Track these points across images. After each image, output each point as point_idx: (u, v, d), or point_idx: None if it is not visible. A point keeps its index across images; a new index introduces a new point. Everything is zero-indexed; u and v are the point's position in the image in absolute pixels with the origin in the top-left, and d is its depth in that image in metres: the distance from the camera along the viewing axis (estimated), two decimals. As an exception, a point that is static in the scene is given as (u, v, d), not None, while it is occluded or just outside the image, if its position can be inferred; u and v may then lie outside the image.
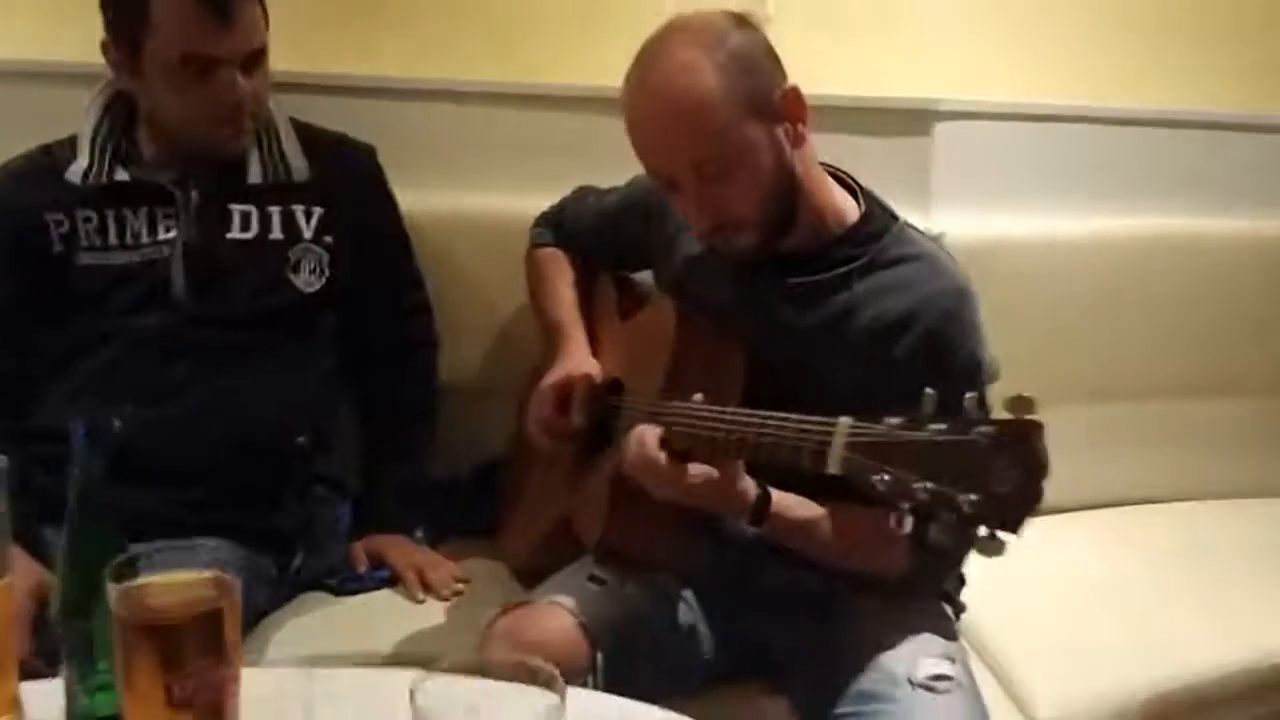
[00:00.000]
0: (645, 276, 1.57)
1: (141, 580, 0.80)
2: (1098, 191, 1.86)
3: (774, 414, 1.06)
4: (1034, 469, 0.83)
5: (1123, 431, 1.86)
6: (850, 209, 1.32)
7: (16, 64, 1.69)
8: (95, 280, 1.47)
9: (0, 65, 1.68)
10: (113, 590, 0.78)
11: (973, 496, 0.84)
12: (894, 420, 0.90)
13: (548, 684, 0.76)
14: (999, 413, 0.85)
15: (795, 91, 1.23)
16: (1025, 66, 1.85)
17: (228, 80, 1.41)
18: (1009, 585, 1.43)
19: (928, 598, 1.37)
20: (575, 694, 0.77)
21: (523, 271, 1.66)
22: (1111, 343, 1.83)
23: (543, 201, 1.67)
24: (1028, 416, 0.84)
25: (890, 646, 1.24)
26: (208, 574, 0.82)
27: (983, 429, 0.84)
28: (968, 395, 0.88)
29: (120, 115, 1.50)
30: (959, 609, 1.42)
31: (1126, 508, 1.86)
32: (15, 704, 0.92)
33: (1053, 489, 0.84)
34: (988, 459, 0.84)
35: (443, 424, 1.70)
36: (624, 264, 1.58)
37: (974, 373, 1.24)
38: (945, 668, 1.22)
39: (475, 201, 1.77)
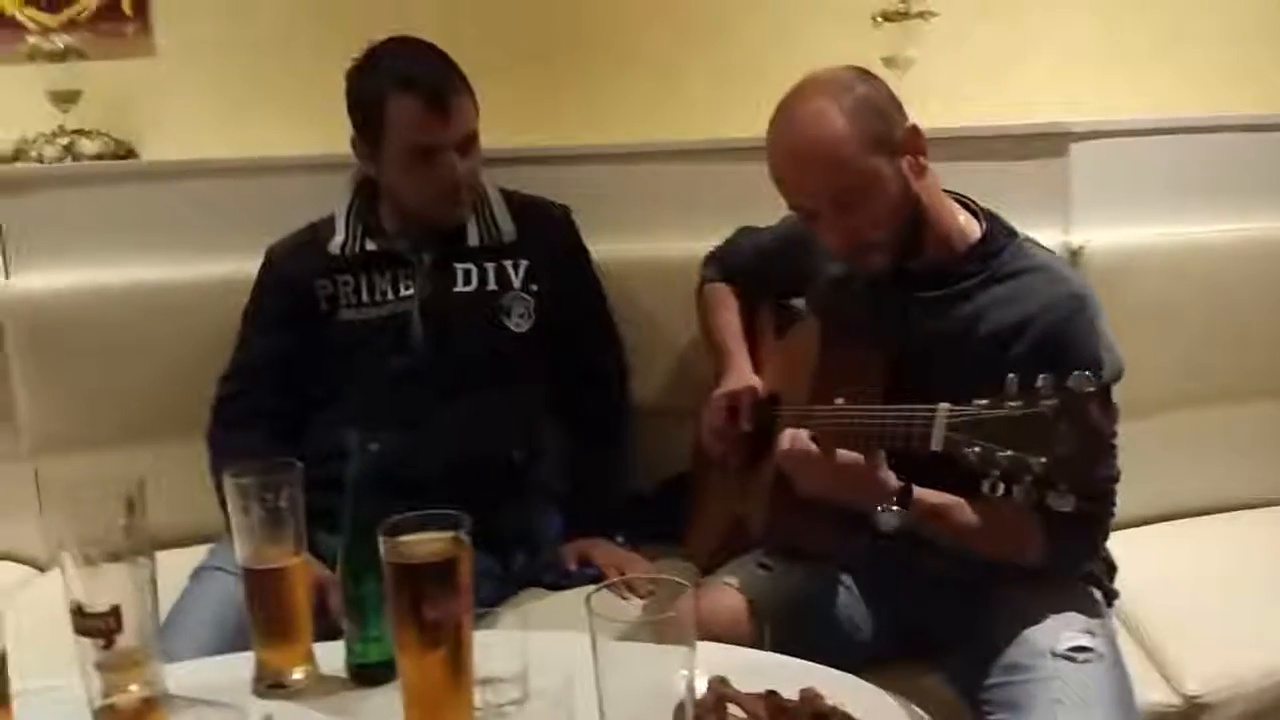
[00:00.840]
0: (799, 302, 1.73)
1: (403, 538, 1.06)
2: (1234, 198, 1.89)
3: (890, 407, 1.24)
4: (1089, 433, 0.98)
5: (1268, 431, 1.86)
6: (973, 229, 1.47)
7: (289, 159, 2.01)
8: (353, 332, 1.76)
9: (277, 161, 2.03)
10: (384, 542, 1.04)
11: (1042, 459, 1.00)
12: (981, 401, 1.07)
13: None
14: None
15: (915, 129, 1.40)
16: (1156, 83, 1.92)
17: (448, 163, 1.67)
18: (1165, 575, 1.53)
19: (1071, 579, 1.47)
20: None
21: (694, 305, 1.87)
22: (1262, 345, 1.86)
23: (708, 243, 1.86)
24: (1086, 389, 0.99)
25: (1035, 622, 1.35)
26: (448, 535, 1.07)
27: (1047, 401, 1.00)
28: (1041, 375, 1.04)
29: (366, 197, 1.81)
30: (1110, 594, 1.51)
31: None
32: (309, 656, 1.21)
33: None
34: (1051, 426, 0.99)
35: (636, 442, 1.91)
36: (780, 292, 1.76)
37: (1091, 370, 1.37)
38: (1085, 640, 1.32)
39: (651, 247, 1.98)
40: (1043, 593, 1.41)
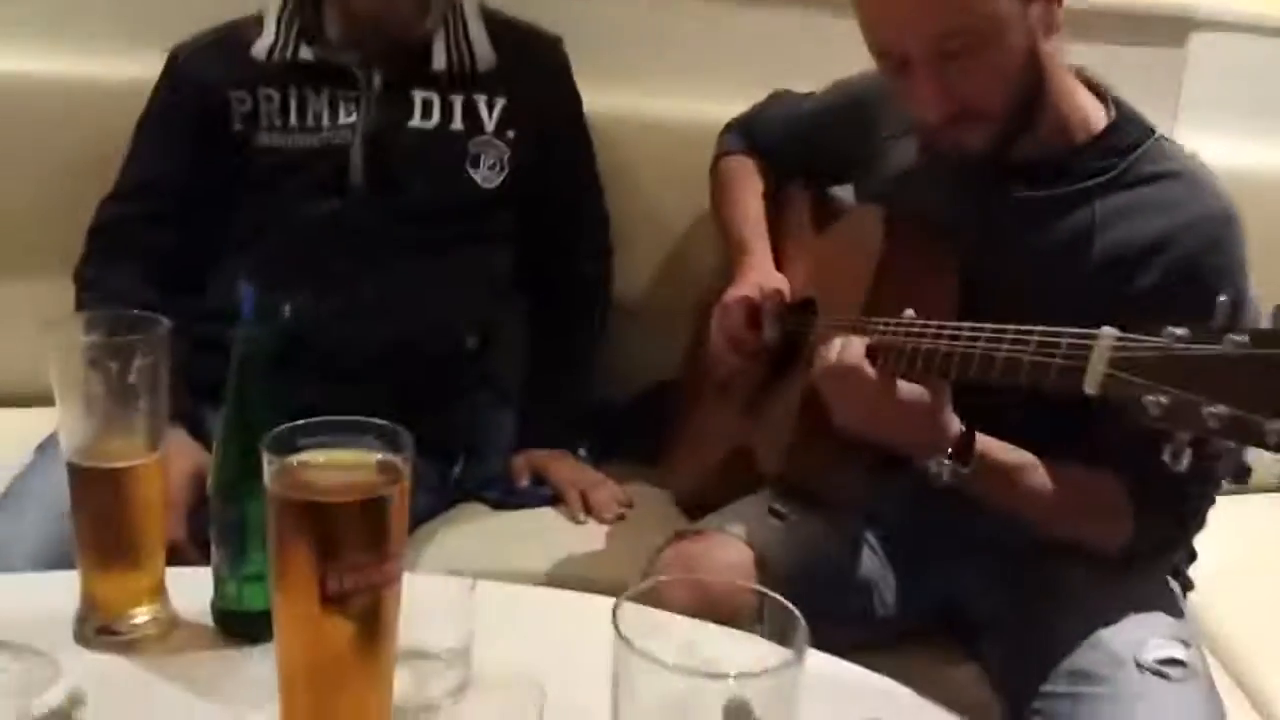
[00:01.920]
0: (843, 192, 1.43)
1: (303, 456, 0.72)
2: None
3: (1014, 327, 0.91)
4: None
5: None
6: (1098, 116, 1.16)
7: None
8: (273, 162, 1.43)
9: None
10: (269, 462, 0.70)
11: (1280, 424, 0.68)
12: (1179, 331, 0.75)
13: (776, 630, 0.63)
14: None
15: None
16: None
17: None
18: (1241, 565, 1.26)
19: (1152, 565, 1.20)
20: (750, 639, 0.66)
21: (703, 184, 1.56)
22: None
23: (732, 108, 1.56)
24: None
25: (1112, 621, 1.11)
26: (376, 456, 0.73)
27: (1300, 340, 0.68)
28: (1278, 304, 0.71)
29: None
30: (1186, 585, 1.25)
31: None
32: (159, 591, 0.88)
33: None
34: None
35: (610, 343, 1.63)
36: (822, 175, 1.45)
37: (1236, 315, 1.06)
38: (1178, 651, 1.08)
39: (658, 104, 1.67)
40: (1118, 579, 1.16)
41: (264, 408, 0.82)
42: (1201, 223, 1.09)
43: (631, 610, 0.61)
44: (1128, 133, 1.15)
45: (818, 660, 0.92)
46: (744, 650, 0.63)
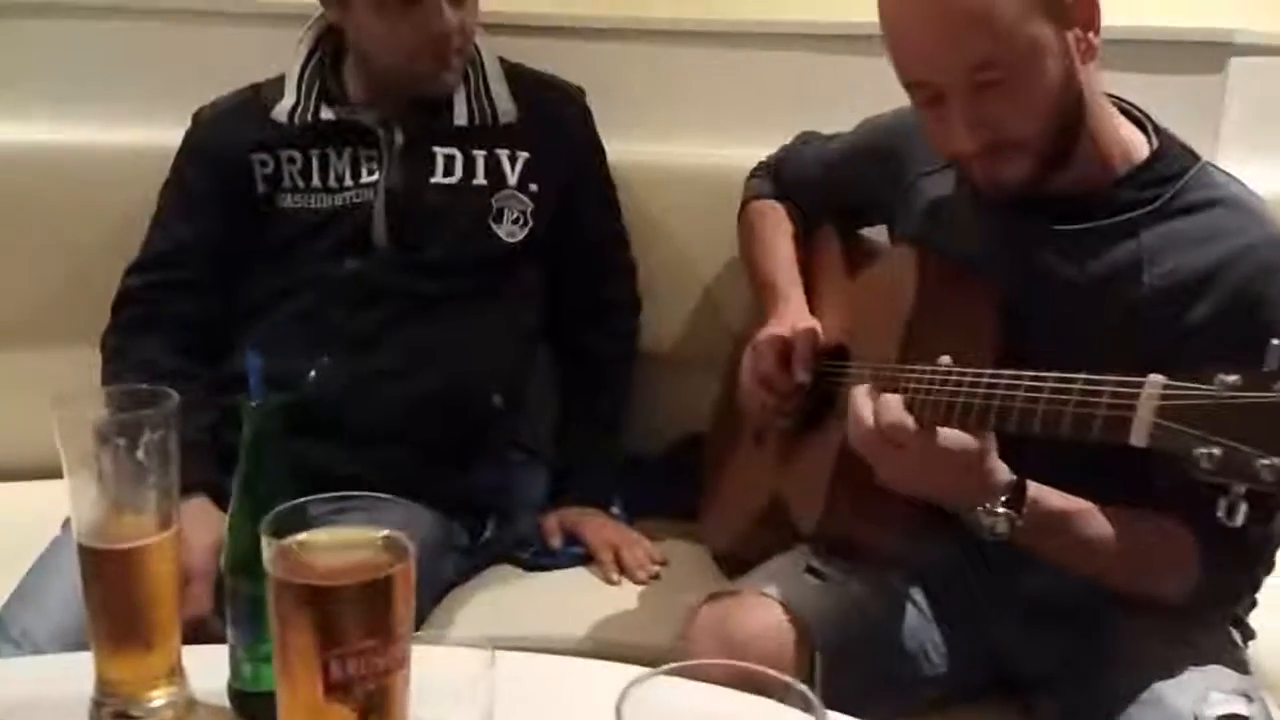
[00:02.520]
0: (875, 233, 1.40)
1: (303, 536, 0.69)
2: None
3: (1055, 374, 0.87)
4: None
5: None
6: (1139, 145, 1.11)
7: (227, 3, 1.68)
8: (296, 224, 1.42)
9: (211, 5, 1.68)
10: (269, 545, 0.67)
11: (1348, 480, 0.63)
12: (1229, 378, 0.70)
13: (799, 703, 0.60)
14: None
15: None
16: None
17: (434, 8, 1.34)
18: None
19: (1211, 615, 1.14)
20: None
21: (732, 231, 1.52)
22: None
23: (757, 152, 1.53)
24: None
25: (1170, 675, 1.04)
26: (381, 534, 0.70)
27: (1365, 389, 0.63)
28: (1337, 347, 0.67)
29: (328, 54, 1.46)
30: (1248, 635, 1.19)
31: None
32: (175, 672, 0.84)
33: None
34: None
35: (639, 395, 1.59)
36: (853, 216, 1.41)
37: None
38: (1241, 707, 1.01)
39: (683, 151, 1.64)
40: (1177, 631, 1.09)
41: (275, 482, 0.80)
42: (1254, 250, 1.04)
43: (641, 693, 0.57)
44: (1171, 161, 1.10)
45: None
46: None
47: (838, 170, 1.40)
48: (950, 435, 0.99)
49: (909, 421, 0.99)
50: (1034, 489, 1.03)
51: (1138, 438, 0.76)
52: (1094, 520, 1.05)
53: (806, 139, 1.50)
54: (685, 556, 1.46)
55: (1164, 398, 0.75)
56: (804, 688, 0.59)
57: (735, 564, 1.33)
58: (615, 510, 1.53)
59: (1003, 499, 1.01)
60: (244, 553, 0.82)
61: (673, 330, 1.64)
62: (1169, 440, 0.74)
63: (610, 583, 1.40)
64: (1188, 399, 0.73)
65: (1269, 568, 1.10)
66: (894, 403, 1.01)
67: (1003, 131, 1.03)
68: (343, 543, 0.70)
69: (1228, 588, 1.09)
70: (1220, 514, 0.71)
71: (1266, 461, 0.67)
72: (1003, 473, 1.02)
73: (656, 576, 1.41)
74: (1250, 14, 1.56)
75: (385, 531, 0.70)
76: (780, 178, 1.49)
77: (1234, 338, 0.99)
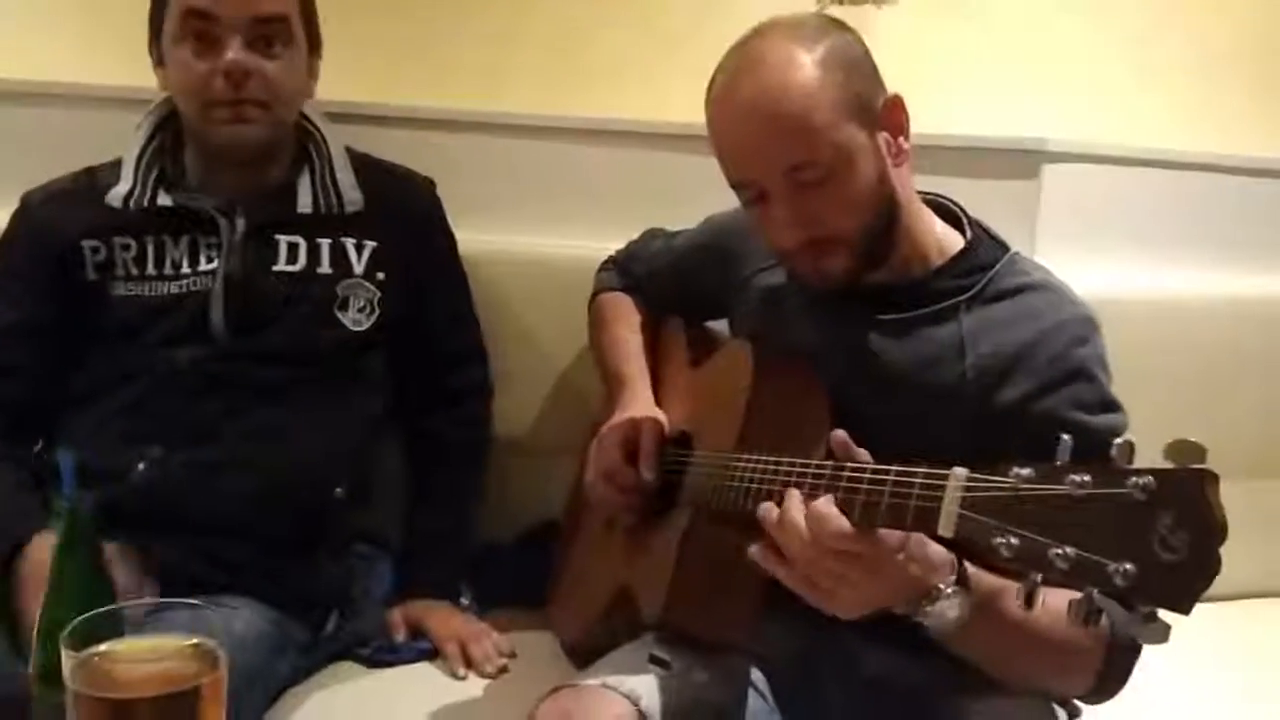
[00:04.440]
0: (719, 326, 1.43)
1: (105, 646, 0.67)
2: (1225, 247, 1.70)
3: (870, 465, 0.90)
4: (1207, 529, 0.66)
5: (1243, 513, 1.64)
6: (954, 239, 1.18)
7: (62, 86, 1.64)
8: (130, 311, 1.37)
9: (45, 88, 1.63)
10: (68, 657, 0.64)
11: (1127, 566, 0.67)
12: (1024, 471, 0.74)
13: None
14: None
15: (898, 100, 1.11)
16: (1147, 108, 1.73)
17: (228, 45, 1.31)
18: (1137, 689, 1.22)
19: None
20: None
21: (583, 320, 1.54)
22: (1247, 413, 1.64)
23: (608, 245, 1.56)
24: (1196, 465, 0.67)
25: None
26: (191, 641, 0.68)
27: (1139, 480, 0.68)
28: (1117, 441, 0.71)
29: (168, 139, 1.43)
30: (1073, 713, 1.22)
31: (1254, 600, 1.64)
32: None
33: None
34: (1147, 518, 0.67)
35: (492, 482, 1.57)
36: (696, 310, 1.44)
37: (1113, 415, 1.07)
38: None
39: (536, 242, 1.66)
40: (1003, 709, 1.12)
41: (85, 585, 0.77)
42: (1067, 325, 1.10)
43: None
44: (983, 252, 1.17)
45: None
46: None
47: (680, 266, 1.44)
48: (888, 533, 0.90)
49: (844, 523, 0.90)
50: (970, 566, 0.96)
51: (945, 528, 0.80)
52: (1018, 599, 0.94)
53: (653, 234, 1.53)
54: (535, 648, 1.42)
55: (967, 489, 0.79)
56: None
57: (585, 655, 1.31)
58: (465, 601, 1.49)
59: (952, 578, 0.94)
60: (53, 659, 0.77)
61: (526, 417, 1.63)
62: (972, 530, 0.77)
63: (456, 677, 1.35)
64: (987, 491, 0.77)
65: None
66: (829, 508, 0.91)
67: (822, 228, 1.08)
68: (148, 653, 0.67)
69: (1116, 685, 1.04)
70: (1019, 601, 0.74)
71: (1058, 550, 0.70)
72: (940, 550, 0.94)
73: (505, 669, 1.37)
74: (1062, 123, 1.67)
75: (195, 640, 0.67)
76: (628, 271, 1.52)
77: (1059, 406, 1.06)
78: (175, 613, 0.81)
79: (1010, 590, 0.92)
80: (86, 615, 0.66)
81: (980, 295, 1.13)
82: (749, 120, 1.07)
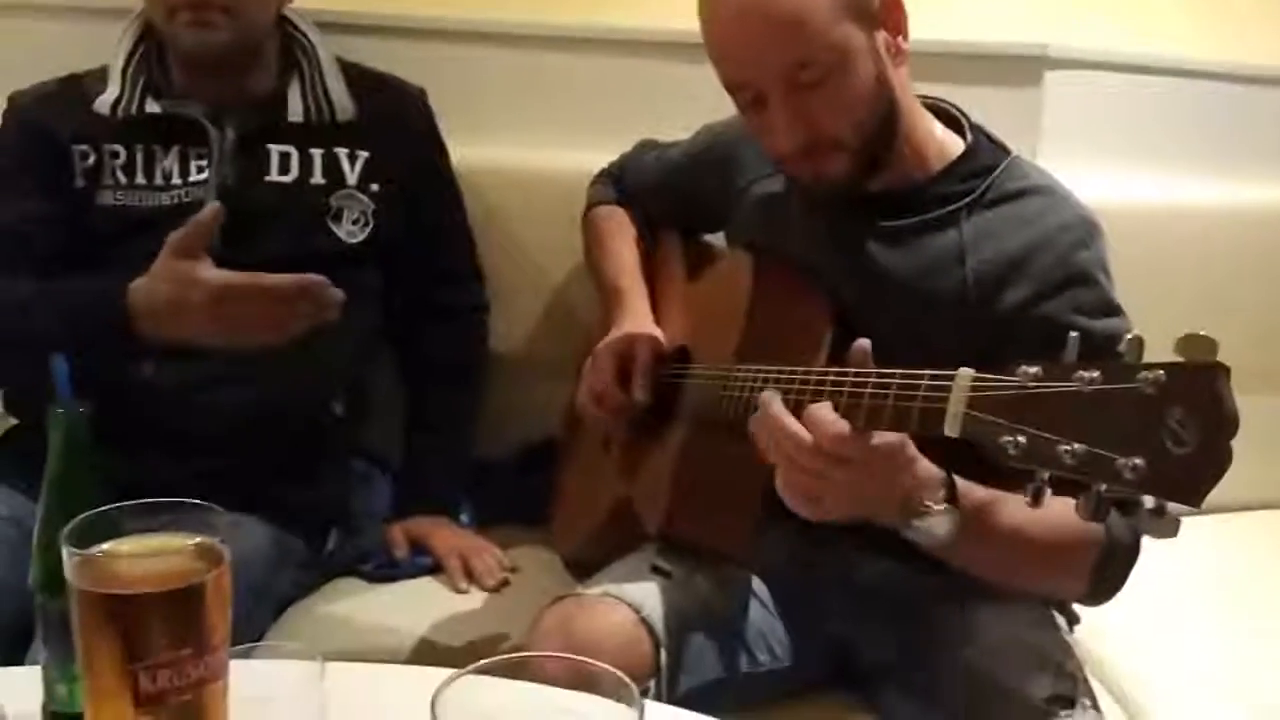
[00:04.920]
0: (716, 239, 1.42)
1: (108, 545, 0.66)
2: (1231, 157, 1.68)
3: (874, 370, 0.89)
4: (1218, 422, 0.65)
5: (1245, 426, 1.64)
6: (954, 143, 1.17)
7: None
8: (119, 222, 1.35)
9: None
10: (70, 554, 0.64)
11: (1136, 460, 0.67)
12: (1031, 369, 0.73)
13: (615, 693, 0.59)
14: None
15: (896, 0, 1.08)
16: (1154, 11, 1.67)
17: None
18: (1134, 595, 1.24)
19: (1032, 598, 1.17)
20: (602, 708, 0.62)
21: (578, 235, 1.52)
22: (1251, 324, 1.61)
23: (603, 157, 1.53)
24: (1207, 359, 0.66)
25: (1001, 659, 1.08)
26: (193, 540, 0.67)
27: (1148, 374, 0.67)
28: (1127, 336, 0.70)
29: (153, 46, 1.39)
30: (1072, 619, 1.24)
31: (1256, 512, 1.64)
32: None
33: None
34: (1156, 411, 0.66)
35: (488, 400, 1.57)
36: (692, 222, 1.43)
37: (1114, 319, 1.07)
38: (1065, 688, 1.05)
39: (529, 155, 1.63)
40: (1007, 616, 1.13)
41: (85, 492, 0.76)
42: (1068, 228, 1.10)
43: (458, 691, 0.56)
44: (984, 156, 1.16)
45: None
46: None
47: (675, 177, 1.42)
48: (881, 437, 0.90)
49: (843, 425, 0.89)
50: (961, 482, 0.96)
51: (951, 428, 0.79)
52: (1016, 506, 0.94)
53: (647, 146, 1.51)
54: (536, 562, 1.44)
55: (973, 389, 0.78)
56: (629, 682, 0.59)
57: (587, 567, 1.31)
58: (464, 518, 1.50)
59: (941, 494, 0.94)
60: (53, 567, 0.77)
61: (523, 334, 1.62)
62: (979, 430, 0.77)
63: (459, 591, 1.36)
64: (995, 390, 0.76)
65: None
66: (826, 412, 0.90)
67: (821, 130, 1.06)
68: (151, 550, 0.67)
69: (1112, 589, 1.05)
70: (1027, 499, 0.74)
71: (1066, 447, 0.70)
72: (931, 467, 0.95)
73: (506, 583, 1.38)
74: (1063, 29, 1.63)
75: (198, 538, 0.67)
76: (622, 184, 1.50)
77: (1060, 309, 1.05)
78: (179, 515, 0.82)
79: (999, 502, 0.98)
80: (88, 513, 0.66)
81: (980, 200, 1.12)
82: (745, 20, 1.05)
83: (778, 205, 1.23)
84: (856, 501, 0.94)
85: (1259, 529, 1.64)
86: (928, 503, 0.93)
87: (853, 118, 1.07)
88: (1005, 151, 1.16)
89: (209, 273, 1.15)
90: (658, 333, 1.31)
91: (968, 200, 1.12)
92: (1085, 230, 1.10)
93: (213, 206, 1.15)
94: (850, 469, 0.90)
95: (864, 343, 0.94)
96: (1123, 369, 0.69)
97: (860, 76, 1.06)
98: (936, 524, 0.94)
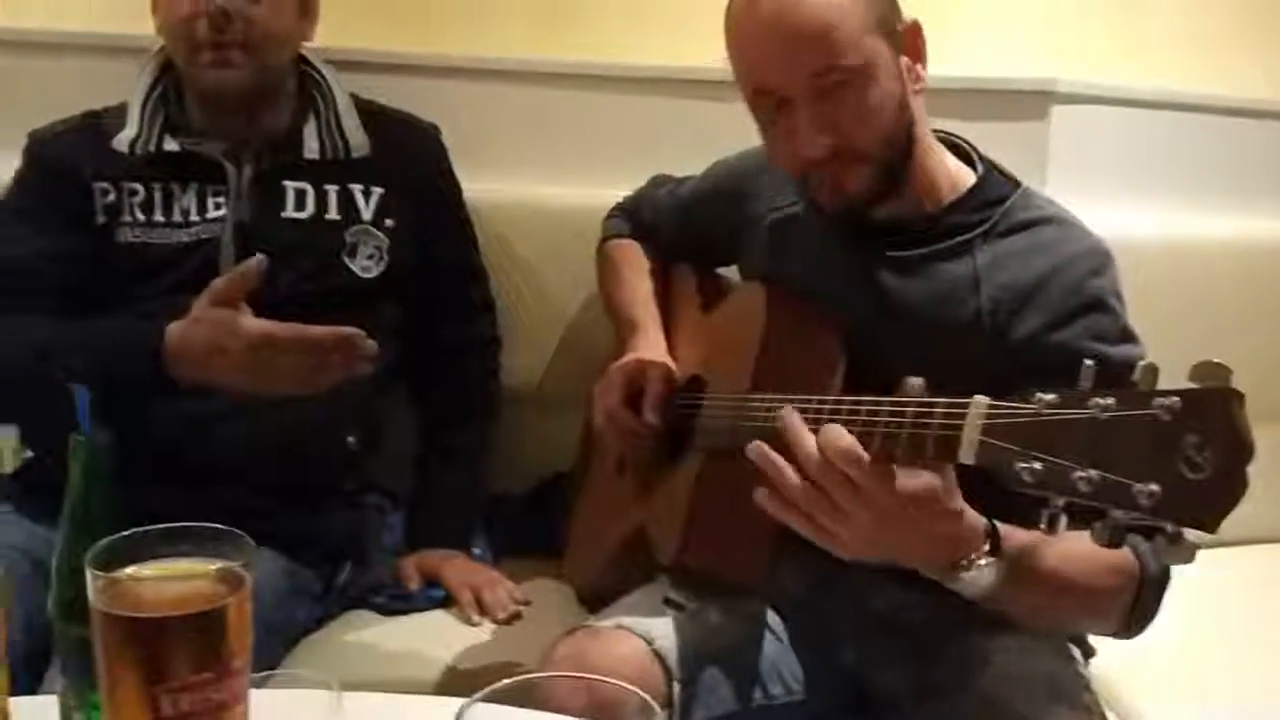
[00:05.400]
0: (730, 272, 1.43)
1: (131, 569, 0.67)
2: (1235, 191, 1.70)
3: (889, 399, 0.89)
4: (1234, 447, 0.65)
5: (1267, 459, 1.64)
6: (965, 175, 1.18)
7: (69, 35, 1.63)
8: (137, 259, 1.36)
9: (51, 37, 1.62)
10: (94, 577, 0.65)
11: (1153, 487, 0.67)
12: (1047, 396, 0.74)
13: (638, 714, 0.60)
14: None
15: (917, 26, 1.11)
16: (1158, 48, 1.70)
17: None
18: (1151, 627, 1.25)
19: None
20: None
21: (591, 269, 1.54)
22: (1254, 358, 1.59)
23: (616, 192, 1.55)
24: (1221, 384, 0.67)
25: (1017, 692, 1.07)
26: (215, 565, 0.68)
27: (1163, 401, 0.67)
28: (1140, 364, 0.71)
29: (171, 85, 1.41)
30: (1088, 652, 1.23)
31: (1273, 545, 1.65)
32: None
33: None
34: (1172, 438, 0.67)
35: (502, 433, 1.58)
36: (705, 255, 1.44)
37: (1130, 345, 1.08)
38: (1081, 719, 1.06)
39: (541, 191, 1.65)
40: (1015, 650, 1.13)
41: (105, 520, 0.76)
42: (1082, 257, 1.11)
43: (483, 712, 0.56)
44: (996, 187, 1.17)
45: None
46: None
47: (688, 211, 1.43)
48: (909, 473, 0.86)
49: (863, 454, 0.85)
50: (1001, 527, 0.93)
51: (966, 455, 0.79)
52: (1053, 547, 0.94)
53: (660, 181, 1.52)
54: (549, 596, 1.43)
55: (989, 417, 0.78)
56: (651, 701, 0.59)
57: (600, 600, 1.31)
58: (478, 551, 1.50)
59: (985, 547, 0.90)
60: (72, 594, 0.77)
61: (536, 368, 1.63)
62: (993, 457, 0.77)
63: (470, 624, 1.36)
64: (1010, 418, 0.76)
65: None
66: (838, 430, 0.87)
67: (845, 137, 1.07)
68: (173, 574, 0.67)
69: (1147, 620, 1.03)
70: (1042, 525, 0.74)
71: (1082, 474, 0.70)
72: (976, 517, 0.91)
73: (519, 616, 1.37)
74: (1070, 64, 1.66)
75: (220, 563, 0.68)
76: (636, 218, 1.51)
77: (1075, 337, 1.06)
78: (201, 541, 0.82)
79: (1041, 545, 0.94)
80: (111, 538, 0.67)
81: (994, 230, 1.13)
82: (774, 27, 1.06)
83: (790, 236, 1.24)
84: (884, 545, 0.90)
85: (1267, 563, 1.63)
86: (972, 555, 0.91)
87: (876, 129, 1.08)
88: (1016, 183, 1.18)
89: (249, 322, 1.16)
90: (670, 361, 1.32)
91: (981, 230, 1.13)
92: (1099, 258, 1.11)
93: (259, 259, 1.17)
94: (861, 498, 0.86)
95: (916, 381, 0.89)
96: (1137, 396, 0.69)
97: (885, 89, 1.07)
98: (980, 575, 0.91)
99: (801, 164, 1.11)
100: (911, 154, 1.12)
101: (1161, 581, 1.00)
